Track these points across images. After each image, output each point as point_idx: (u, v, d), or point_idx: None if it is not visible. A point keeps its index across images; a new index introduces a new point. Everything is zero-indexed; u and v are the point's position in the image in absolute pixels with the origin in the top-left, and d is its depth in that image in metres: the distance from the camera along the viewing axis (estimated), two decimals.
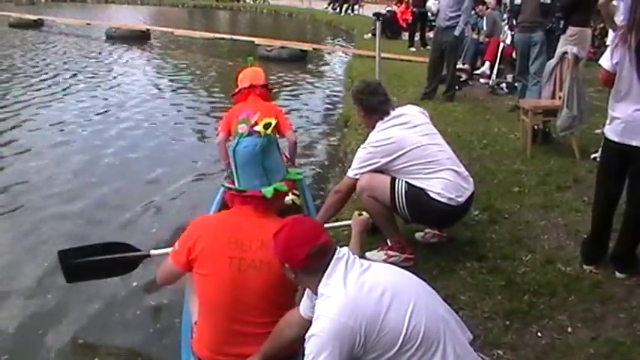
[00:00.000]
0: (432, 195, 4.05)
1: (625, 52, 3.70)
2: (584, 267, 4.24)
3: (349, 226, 3.13)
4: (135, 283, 4.53)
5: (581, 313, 3.72)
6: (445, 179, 4.07)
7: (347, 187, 4.28)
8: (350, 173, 4.26)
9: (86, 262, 3.70)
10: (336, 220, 4.31)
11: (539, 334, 3.54)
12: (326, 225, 4.20)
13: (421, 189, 4.06)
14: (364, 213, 3.11)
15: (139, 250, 3.79)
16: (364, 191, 4.19)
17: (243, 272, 2.61)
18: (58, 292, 4.45)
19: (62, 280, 4.44)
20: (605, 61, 3.87)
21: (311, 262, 2.31)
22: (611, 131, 3.92)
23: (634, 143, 3.78)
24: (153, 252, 3.75)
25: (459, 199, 4.10)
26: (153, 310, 4.28)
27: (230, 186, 2.82)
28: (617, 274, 4.11)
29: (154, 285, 4.38)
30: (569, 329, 3.57)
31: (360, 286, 2.21)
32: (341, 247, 2.43)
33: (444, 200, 4.04)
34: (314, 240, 2.32)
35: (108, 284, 4.45)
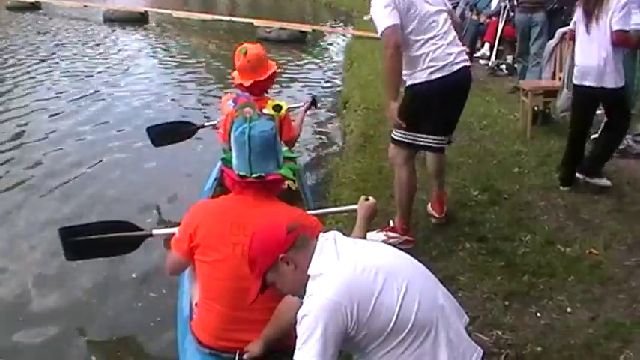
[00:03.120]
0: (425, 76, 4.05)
1: (580, 12, 4.95)
2: (561, 188, 5.20)
3: (355, 211, 3.08)
4: (134, 275, 4.51)
5: (581, 294, 3.72)
6: (437, 46, 4.04)
7: (390, 42, 3.93)
8: (381, 31, 3.97)
9: (87, 240, 3.67)
10: (341, 205, 4.30)
11: (538, 314, 3.55)
12: (330, 210, 4.21)
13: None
14: (371, 198, 3.06)
15: (141, 230, 3.77)
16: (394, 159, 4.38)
17: (247, 258, 2.57)
18: (54, 285, 4.42)
19: (57, 271, 4.51)
20: (572, 23, 5.26)
21: (295, 235, 2.27)
22: (574, 77, 5.09)
23: (586, 83, 4.92)
24: (155, 231, 3.72)
25: (453, 67, 4.06)
26: (152, 302, 4.22)
27: (244, 173, 2.71)
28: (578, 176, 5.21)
29: (153, 275, 4.42)
30: (569, 310, 3.58)
31: (355, 265, 2.16)
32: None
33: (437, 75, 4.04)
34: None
35: (105, 276, 4.47)
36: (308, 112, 5.42)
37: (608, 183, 5.23)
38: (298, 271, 2.23)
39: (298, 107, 5.48)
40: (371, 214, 3.01)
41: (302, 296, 2.20)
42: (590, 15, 4.82)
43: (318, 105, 6.06)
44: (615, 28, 4.71)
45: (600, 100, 5.13)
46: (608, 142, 5.32)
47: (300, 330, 2.11)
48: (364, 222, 2.96)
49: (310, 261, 2.21)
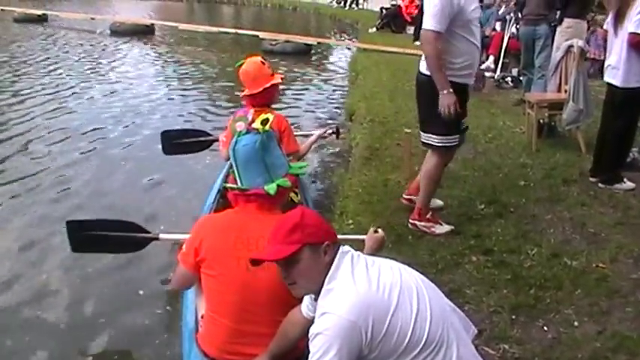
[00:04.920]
0: None
1: (612, 15, 5.40)
2: (590, 179, 5.68)
3: (363, 241, 3.07)
4: (140, 292, 4.50)
5: (588, 307, 3.71)
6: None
7: (435, 41, 4.25)
8: (429, 27, 4.23)
9: (93, 235, 3.72)
10: (349, 232, 4.30)
11: (545, 328, 3.54)
12: (339, 237, 4.24)
13: None
14: (380, 230, 3.06)
15: (148, 232, 3.79)
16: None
17: (252, 272, 2.55)
18: (58, 300, 4.42)
19: (63, 286, 4.55)
20: (605, 23, 5.85)
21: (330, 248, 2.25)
22: (605, 74, 5.56)
23: (607, 79, 5.44)
24: (162, 236, 3.75)
25: None
26: (159, 319, 4.20)
27: (232, 185, 2.77)
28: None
29: (159, 293, 4.44)
30: (576, 323, 3.57)
31: (369, 283, 2.13)
32: None
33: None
34: (329, 229, 2.28)
35: (111, 293, 4.48)
36: (320, 131, 5.43)
37: (631, 185, 5.54)
38: (323, 269, 2.21)
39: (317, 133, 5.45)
40: (378, 247, 3.00)
41: (315, 295, 2.21)
42: (617, 17, 5.27)
43: (341, 135, 5.99)
44: (630, 30, 5.08)
45: (612, 97, 5.43)
46: (612, 144, 5.56)
47: (314, 348, 2.09)
48: (370, 253, 2.96)
49: (328, 271, 2.20)
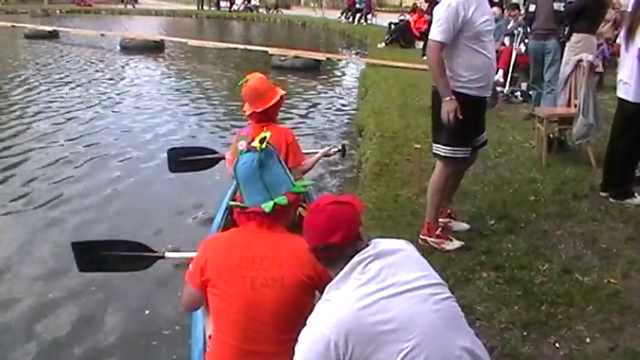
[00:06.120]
0: None
1: (624, 31, 5.45)
2: (601, 194, 5.67)
3: None
4: (147, 311, 4.51)
5: (600, 324, 3.68)
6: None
7: (437, 51, 4.35)
8: (433, 37, 4.35)
9: (99, 255, 3.77)
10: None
11: (557, 344, 3.51)
12: None
13: None
14: None
15: (154, 252, 3.81)
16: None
17: (257, 291, 2.56)
18: (66, 319, 4.44)
19: (71, 302, 4.57)
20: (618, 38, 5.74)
21: (319, 256, 2.27)
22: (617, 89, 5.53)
23: (618, 94, 5.44)
24: (168, 254, 3.77)
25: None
26: (166, 339, 4.19)
27: (235, 203, 2.79)
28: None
29: (167, 313, 4.43)
30: (588, 340, 3.54)
31: (367, 306, 2.04)
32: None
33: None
34: (324, 237, 2.21)
35: (118, 313, 4.49)
36: (326, 149, 5.44)
37: None
38: (336, 269, 2.20)
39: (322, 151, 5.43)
40: None
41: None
42: (629, 33, 5.28)
43: (346, 155, 6.12)
44: (639, 45, 5.11)
45: (623, 112, 5.44)
46: (621, 158, 5.59)
47: (294, 356, 2.13)
48: None
49: (336, 274, 2.17)
